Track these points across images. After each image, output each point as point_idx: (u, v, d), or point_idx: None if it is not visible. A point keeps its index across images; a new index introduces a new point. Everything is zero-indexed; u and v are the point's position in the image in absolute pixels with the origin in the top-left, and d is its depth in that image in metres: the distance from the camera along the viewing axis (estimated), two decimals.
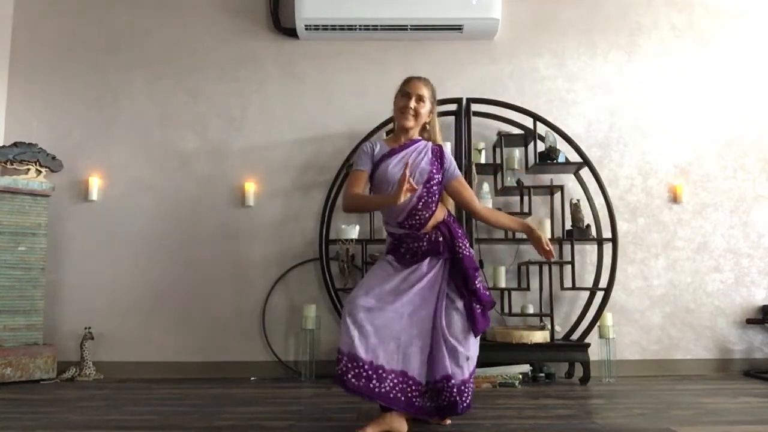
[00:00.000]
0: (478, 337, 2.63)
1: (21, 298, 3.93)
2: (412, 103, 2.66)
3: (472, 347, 2.57)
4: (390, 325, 2.47)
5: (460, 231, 2.67)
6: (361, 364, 2.40)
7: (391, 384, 2.44)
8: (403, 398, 2.45)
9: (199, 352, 4.19)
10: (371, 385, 2.40)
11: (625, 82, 4.47)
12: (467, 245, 2.65)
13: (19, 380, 3.80)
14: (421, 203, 2.60)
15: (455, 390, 2.48)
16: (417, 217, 2.61)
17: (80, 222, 4.32)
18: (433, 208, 2.63)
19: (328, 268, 4.13)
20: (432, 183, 2.63)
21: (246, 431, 2.58)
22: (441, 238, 2.59)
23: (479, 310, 2.59)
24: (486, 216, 2.79)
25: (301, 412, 2.98)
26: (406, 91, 2.69)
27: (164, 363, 4.17)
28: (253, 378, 4.08)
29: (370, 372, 2.40)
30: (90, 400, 3.32)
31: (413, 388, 2.48)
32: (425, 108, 2.70)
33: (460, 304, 2.58)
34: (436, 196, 2.65)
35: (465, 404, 2.51)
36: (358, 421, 2.72)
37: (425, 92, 2.70)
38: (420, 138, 2.74)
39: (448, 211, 2.74)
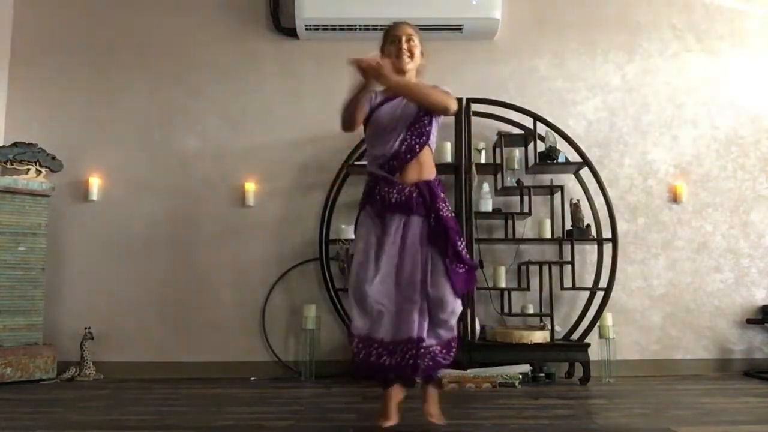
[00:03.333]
0: (458, 304, 2.57)
1: (21, 298, 3.93)
2: (405, 45, 2.62)
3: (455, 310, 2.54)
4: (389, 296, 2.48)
5: (442, 194, 2.61)
6: (374, 344, 2.45)
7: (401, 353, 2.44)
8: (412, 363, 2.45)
9: (199, 352, 4.19)
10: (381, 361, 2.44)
11: (625, 82, 4.47)
12: (448, 207, 2.60)
13: (19, 380, 3.80)
14: (404, 146, 2.56)
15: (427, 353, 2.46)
16: (399, 159, 2.56)
17: (80, 222, 4.32)
18: (417, 150, 2.57)
19: (328, 268, 4.14)
20: (417, 125, 2.58)
21: (246, 431, 2.58)
22: (415, 194, 2.53)
23: (462, 270, 2.53)
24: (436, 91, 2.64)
25: (301, 412, 2.98)
26: (395, 36, 2.65)
27: (164, 363, 4.17)
28: (253, 378, 4.08)
29: (380, 349, 2.45)
30: (90, 400, 3.32)
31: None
32: (418, 48, 2.65)
33: (441, 265, 2.51)
34: (423, 138, 2.58)
35: (431, 364, 2.47)
36: (358, 422, 2.72)
37: (413, 32, 2.66)
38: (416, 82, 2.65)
39: (439, 179, 2.67)
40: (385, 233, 2.52)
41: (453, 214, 2.62)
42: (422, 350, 2.43)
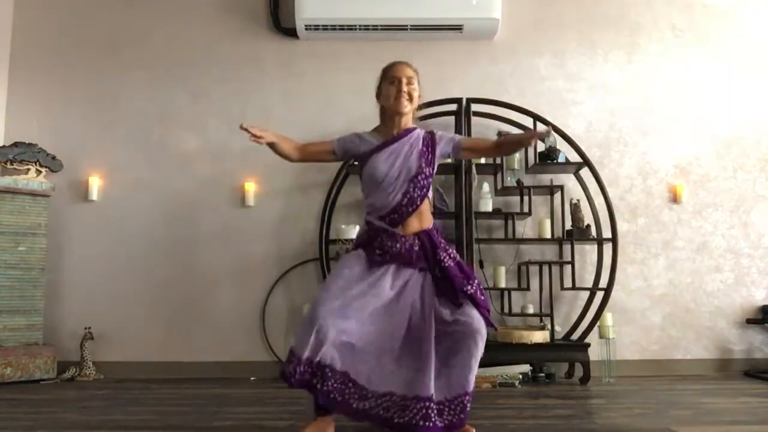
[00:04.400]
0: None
1: (21, 298, 3.93)
2: (405, 87, 2.54)
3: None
4: (357, 335, 2.37)
5: (442, 242, 2.52)
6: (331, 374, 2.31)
7: (336, 385, 2.33)
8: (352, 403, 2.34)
9: (199, 352, 4.19)
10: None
11: (625, 82, 4.47)
12: (453, 255, 2.52)
13: (19, 380, 3.80)
14: (406, 199, 2.48)
15: (429, 409, 2.31)
16: (400, 212, 2.48)
17: (80, 222, 4.32)
18: (418, 203, 2.49)
19: (328, 268, 4.13)
20: (419, 178, 2.50)
21: (246, 431, 2.58)
22: (417, 247, 2.45)
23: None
24: (499, 145, 2.69)
25: (301, 412, 2.97)
26: (394, 77, 2.57)
27: (164, 363, 4.17)
28: (253, 378, 4.08)
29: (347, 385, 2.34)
30: (90, 400, 3.32)
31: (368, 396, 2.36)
32: (417, 91, 2.57)
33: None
34: (424, 190, 2.51)
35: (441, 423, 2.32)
36: (358, 421, 2.71)
37: (412, 73, 2.59)
38: (414, 127, 2.61)
39: (437, 228, 2.60)
40: (380, 278, 2.42)
41: (457, 260, 2.52)
42: (431, 407, 2.29)
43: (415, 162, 2.52)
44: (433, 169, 2.57)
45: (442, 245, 2.51)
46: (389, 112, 2.59)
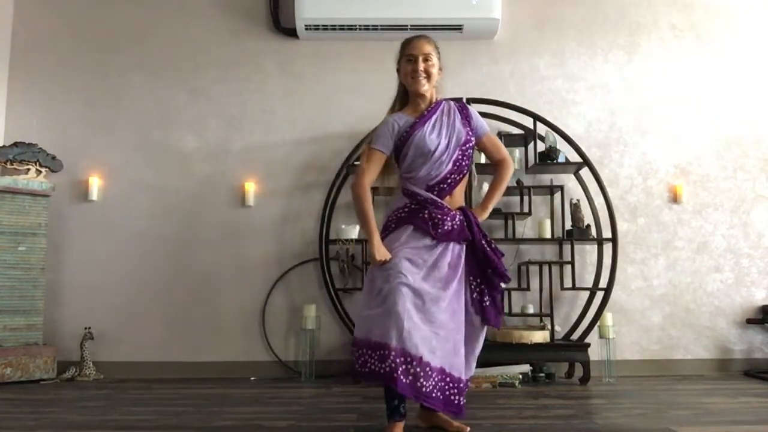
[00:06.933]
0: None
1: (21, 298, 3.93)
2: (421, 65, 2.49)
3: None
4: (433, 319, 2.33)
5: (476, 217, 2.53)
6: (410, 360, 2.24)
7: (434, 382, 2.30)
8: (441, 396, 2.32)
9: (199, 352, 4.19)
10: (418, 385, 2.25)
11: (625, 82, 4.47)
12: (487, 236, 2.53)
13: (19, 380, 3.80)
14: (455, 167, 2.46)
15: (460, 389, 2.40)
16: (449, 182, 2.46)
17: (80, 222, 4.32)
18: (465, 172, 2.49)
19: (328, 268, 4.14)
20: (467, 146, 2.50)
21: (246, 431, 2.58)
22: (464, 221, 2.46)
23: (497, 299, 2.49)
24: (505, 175, 2.66)
25: (301, 412, 2.98)
26: (411, 55, 2.51)
27: (164, 363, 4.17)
28: (253, 378, 4.08)
29: (418, 369, 2.25)
30: (90, 400, 3.32)
31: (452, 385, 2.35)
32: (435, 67, 2.52)
33: (486, 294, 2.47)
34: (468, 161, 2.50)
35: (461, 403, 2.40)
36: (358, 422, 2.72)
37: (431, 49, 2.53)
38: (440, 100, 2.57)
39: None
40: (437, 257, 2.39)
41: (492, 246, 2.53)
42: (462, 387, 2.39)
43: (463, 129, 2.51)
44: (473, 137, 2.55)
45: (478, 221, 2.53)
46: (410, 91, 2.55)
